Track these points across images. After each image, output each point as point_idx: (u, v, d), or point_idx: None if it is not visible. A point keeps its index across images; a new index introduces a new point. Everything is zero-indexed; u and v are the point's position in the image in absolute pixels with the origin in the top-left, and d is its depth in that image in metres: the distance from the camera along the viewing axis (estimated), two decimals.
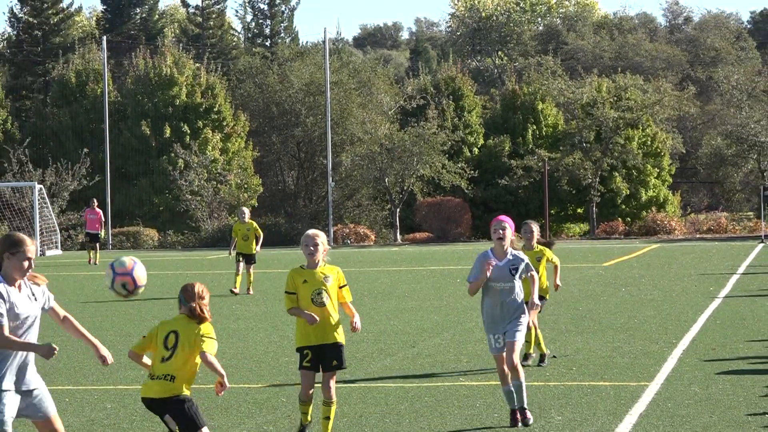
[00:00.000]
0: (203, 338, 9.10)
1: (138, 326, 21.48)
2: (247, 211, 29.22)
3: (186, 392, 9.10)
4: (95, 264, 41.33)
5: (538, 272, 13.59)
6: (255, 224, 28.74)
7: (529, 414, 11.72)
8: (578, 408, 12.69)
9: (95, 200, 45.09)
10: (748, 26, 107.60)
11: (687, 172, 78.43)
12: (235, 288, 27.61)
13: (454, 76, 67.83)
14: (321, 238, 11.09)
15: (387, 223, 63.01)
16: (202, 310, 9.18)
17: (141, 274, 9.51)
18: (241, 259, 27.97)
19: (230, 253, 28.88)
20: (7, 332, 8.42)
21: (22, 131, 66.86)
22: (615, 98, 62.71)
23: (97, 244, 42.84)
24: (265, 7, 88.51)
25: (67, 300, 27.29)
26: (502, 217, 12.08)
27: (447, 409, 12.80)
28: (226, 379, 9.16)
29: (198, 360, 9.09)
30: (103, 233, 44.19)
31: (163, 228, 60.51)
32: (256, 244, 28.27)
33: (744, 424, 11.65)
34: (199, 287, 9.37)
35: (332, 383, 11.09)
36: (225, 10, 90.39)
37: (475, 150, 64.88)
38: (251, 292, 27.78)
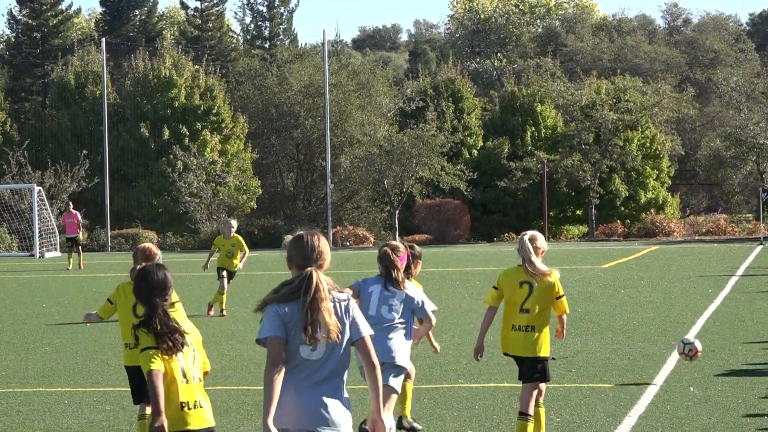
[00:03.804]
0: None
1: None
2: (235, 223, 25.28)
3: None
4: (79, 268, 40.77)
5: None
6: (241, 239, 25.09)
7: None
8: (577, 410, 12.70)
9: (71, 203, 44.42)
10: (747, 28, 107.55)
11: (686, 173, 78.43)
12: (224, 309, 24.18)
13: (453, 77, 67.82)
14: (540, 240, 10.51)
15: (386, 225, 63.01)
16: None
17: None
18: (225, 274, 24.45)
19: (206, 267, 24.91)
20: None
21: (21, 133, 66.85)
22: (614, 100, 62.71)
23: (80, 247, 42.12)
24: (264, 9, 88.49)
25: (67, 302, 27.28)
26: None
27: (446, 411, 12.81)
28: None
29: None
30: (81, 235, 43.32)
31: (162, 230, 60.51)
32: (240, 260, 24.70)
33: (743, 426, 11.66)
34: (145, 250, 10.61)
35: (530, 396, 10.38)
36: (224, 12, 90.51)
37: (474, 152, 64.89)
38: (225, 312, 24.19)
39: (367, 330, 6.71)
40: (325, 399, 6.61)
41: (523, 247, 10.38)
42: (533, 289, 10.36)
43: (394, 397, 10.54)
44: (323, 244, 6.73)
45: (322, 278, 6.61)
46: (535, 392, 10.49)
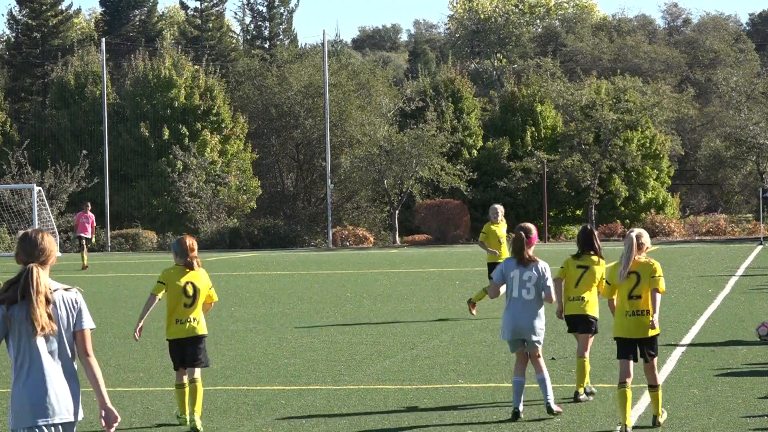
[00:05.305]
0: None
1: None
2: (501, 209, 22.64)
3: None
4: (82, 268, 40.98)
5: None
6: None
7: None
8: (577, 410, 12.70)
9: (89, 204, 44.47)
10: (747, 28, 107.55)
11: (686, 174, 78.42)
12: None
13: (453, 78, 67.78)
14: (645, 237, 11.82)
15: (386, 225, 63.01)
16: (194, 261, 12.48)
17: None
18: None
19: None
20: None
21: (21, 133, 66.84)
22: (614, 100, 62.67)
23: (86, 248, 42.46)
24: (264, 9, 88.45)
25: None
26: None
27: (446, 411, 12.81)
28: None
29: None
30: (93, 238, 43.92)
31: (161, 230, 60.50)
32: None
33: (743, 426, 11.66)
34: (190, 241, 12.68)
35: (654, 369, 11.79)
36: (224, 12, 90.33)
37: (474, 152, 64.87)
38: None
39: (89, 324, 7.12)
40: (57, 388, 6.96)
41: (626, 243, 11.73)
42: (640, 278, 11.68)
43: (542, 359, 12.49)
44: (47, 242, 7.13)
45: (41, 274, 6.97)
46: (656, 366, 11.90)
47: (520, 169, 61.71)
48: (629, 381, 11.64)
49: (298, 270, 39.16)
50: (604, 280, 12.26)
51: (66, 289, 7.08)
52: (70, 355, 7.05)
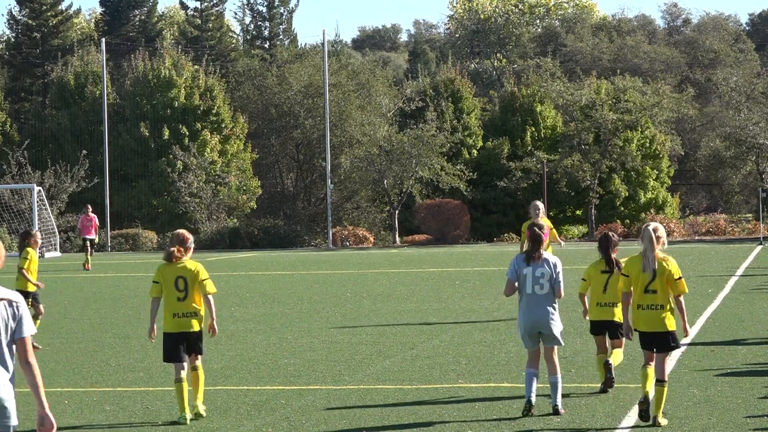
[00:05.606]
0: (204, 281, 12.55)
1: (136, 328, 21.46)
2: (541, 205, 20.86)
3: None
4: (83, 268, 41.28)
5: None
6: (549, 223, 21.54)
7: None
8: (577, 410, 12.70)
9: (90, 206, 44.90)
10: (747, 28, 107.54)
11: (686, 174, 78.41)
12: None
13: (453, 78, 67.79)
14: (661, 230, 12.11)
15: (386, 225, 63.01)
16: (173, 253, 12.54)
17: None
18: None
19: None
20: None
21: (21, 133, 66.85)
22: (614, 100, 62.68)
23: (92, 249, 42.99)
24: (264, 9, 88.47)
25: (67, 302, 27.26)
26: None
27: (446, 411, 12.81)
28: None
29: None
30: (96, 238, 44.66)
31: (161, 230, 60.50)
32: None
33: (743, 426, 11.66)
34: (179, 234, 12.78)
35: (665, 365, 12.00)
36: (224, 12, 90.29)
37: (474, 152, 64.88)
38: None
39: (29, 330, 7.05)
40: None
41: (645, 237, 12.02)
42: (656, 273, 11.96)
43: (557, 350, 12.65)
44: None
45: None
46: (668, 360, 12.16)
47: (520, 169, 61.72)
48: (653, 364, 12.00)
49: (298, 270, 39.16)
50: (623, 275, 12.45)
51: (9, 301, 7.00)
52: (5, 362, 7.01)
